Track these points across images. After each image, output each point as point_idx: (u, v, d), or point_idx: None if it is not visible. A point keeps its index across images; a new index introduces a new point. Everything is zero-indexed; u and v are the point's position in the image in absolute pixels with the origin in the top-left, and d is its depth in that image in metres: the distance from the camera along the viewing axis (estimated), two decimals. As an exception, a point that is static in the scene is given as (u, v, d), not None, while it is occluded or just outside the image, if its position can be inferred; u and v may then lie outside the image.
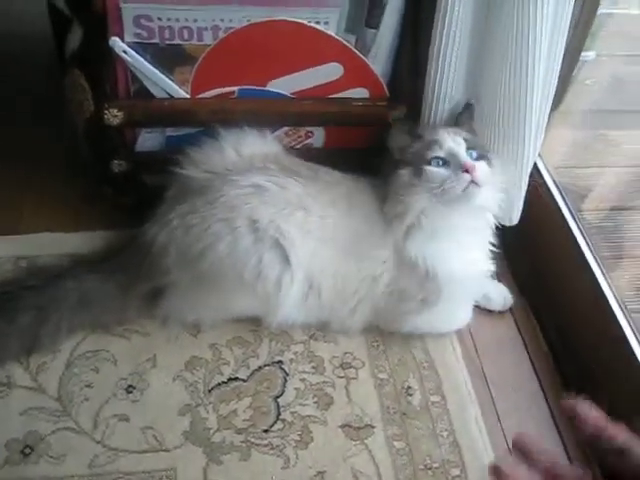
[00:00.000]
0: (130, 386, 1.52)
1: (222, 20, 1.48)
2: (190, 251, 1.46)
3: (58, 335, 1.53)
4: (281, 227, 1.44)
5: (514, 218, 1.71)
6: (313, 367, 1.57)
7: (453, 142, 1.44)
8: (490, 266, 1.57)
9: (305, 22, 1.49)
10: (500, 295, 1.73)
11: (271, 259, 1.45)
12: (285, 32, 1.51)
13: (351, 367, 1.58)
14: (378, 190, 1.52)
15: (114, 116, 1.56)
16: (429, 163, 1.43)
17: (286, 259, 1.45)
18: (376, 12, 1.51)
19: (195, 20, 1.47)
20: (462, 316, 1.63)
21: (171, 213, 1.48)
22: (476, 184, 1.41)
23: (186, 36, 1.49)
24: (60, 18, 1.58)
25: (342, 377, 1.56)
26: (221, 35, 1.50)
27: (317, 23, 1.50)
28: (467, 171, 1.40)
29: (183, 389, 1.52)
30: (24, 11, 2.35)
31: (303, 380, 1.55)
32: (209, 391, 1.52)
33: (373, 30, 1.55)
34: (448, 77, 1.55)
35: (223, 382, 1.53)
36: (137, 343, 1.58)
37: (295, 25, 1.49)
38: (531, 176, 1.66)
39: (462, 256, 1.50)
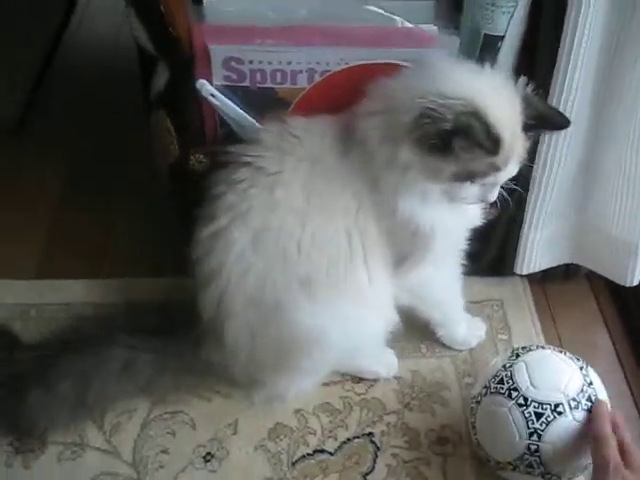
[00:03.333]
0: (208, 454, 1.42)
1: (318, 63, 1.36)
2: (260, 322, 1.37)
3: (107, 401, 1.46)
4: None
5: (635, 279, 1.57)
6: (406, 441, 1.44)
7: (510, 172, 1.25)
8: (480, 218, 1.41)
9: (406, 64, 1.36)
10: (470, 330, 1.59)
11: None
12: (384, 75, 1.38)
13: (448, 442, 1.44)
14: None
15: (199, 162, 1.47)
16: (475, 182, 1.23)
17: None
18: (489, 55, 1.36)
19: (289, 63, 1.36)
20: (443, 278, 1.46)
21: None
22: None
23: (279, 79, 1.39)
24: (146, 57, 1.50)
25: (438, 454, 1.43)
26: (317, 78, 1.38)
27: (421, 65, 1.36)
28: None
29: (265, 460, 1.41)
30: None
31: (395, 456, 1.42)
32: (293, 464, 1.41)
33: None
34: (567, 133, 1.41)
35: (308, 454, 1.42)
36: (218, 405, 1.49)
37: (397, 68, 1.37)
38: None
39: (453, 210, 1.32)
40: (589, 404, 1.26)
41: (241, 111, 1.43)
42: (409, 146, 1.20)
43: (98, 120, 2.18)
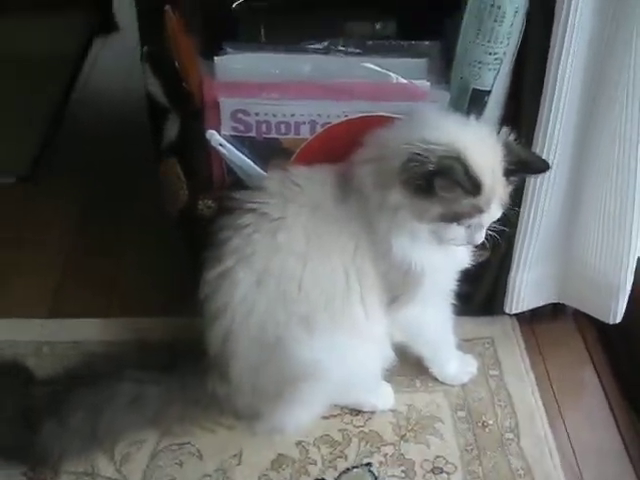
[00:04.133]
0: (215, 484, 1.48)
1: (319, 115, 1.46)
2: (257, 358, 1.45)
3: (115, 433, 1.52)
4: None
5: (617, 316, 1.65)
6: (403, 471, 1.51)
7: (493, 215, 1.33)
8: (469, 260, 1.48)
9: (401, 117, 1.46)
10: (462, 367, 1.66)
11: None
12: (381, 126, 1.47)
13: (443, 472, 1.51)
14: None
15: (208, 207, 1.56)
16: (460, 224, 1.31)
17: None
18: (477, 107, 1.46)
19: (293, 115, 1.46)
20: (434, 317, 1.54)
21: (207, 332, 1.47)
22: None
23: (283, 130, 1.48)
24: (158, 108, 1.60)
25: (435, 483, 1.49)
26: (318, 129, 1.48)
27: (416, 118, 1.46)
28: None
29: (268, 490, 1.47)
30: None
31: (393, 485, 1.48)
32: (294, 493, 1.47)
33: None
34: (550, 177, 1.51)
35: (310, 484, 1.48)
36: (223, 437, 1.56)
37: (392, 120, 1.46)
38: (636, 273, 1.59)
39: (442, 251, 1.40)
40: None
41: (248, 160, 1.52)
42: (398, 189, 1.30)
43: (109, 168, 2.28)
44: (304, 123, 1.48)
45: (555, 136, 1.45)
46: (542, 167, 1.37)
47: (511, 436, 1.57)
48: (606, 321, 1.67)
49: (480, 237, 1.35)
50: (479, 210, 1.30)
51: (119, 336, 1.75)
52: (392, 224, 1.35)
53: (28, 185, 2.26)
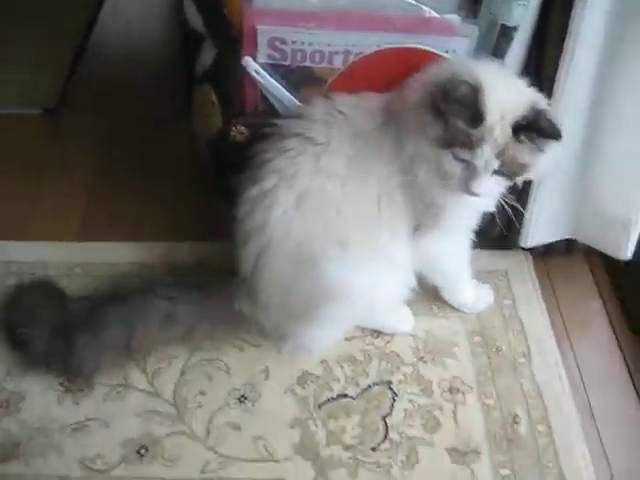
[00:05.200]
0: (242, 396, 1.56)
1: (354, 45, 1.51)
2: (287, 279, 1.52)
3: (149, 348, 1.60)
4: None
5: (628, 252, 1.72)
6: (421, 390, 1.59)
7: (486, 159, 1.33)
8: (491, 206, 1.52)
9: (434, 50, 1.51)
10: (479, 296, 1.74)
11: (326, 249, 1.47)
12: (412, 59, 1.52)
13: (459, 391, 1.59)
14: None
15: (240, 133, 1.61)
16: (453, 154, 1.35)
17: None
18: (504, 43, 1.52)
19: (328, 44, 1.51)
20: (452, 249, 1.61)
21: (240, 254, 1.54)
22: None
23: (317, 59, 1.53)
24: (192, 36, 1.64)
25: (450, 401, 1.57)
26: (351, 59, 1.53)
27: (445, 52, 1.52)
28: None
29: (294, 402, 1.56)
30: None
31: (411, 401, 1.57)
32: (319, 406, 1.55)
33: (499, 60, 1.56)
34: (571, 109, 1.56)
35: (333, 398, 1.57)
36: (250, 354, 1.63)
37: (423, 53, 1.52)
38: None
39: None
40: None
41: (281, 88, 1.57)
42: (421, 110, 1.37)
43: (135, 100, 2.32)
44: (337, 53, 1.53)
45: (575, 80, 1.52)
46: (552, 134, 1.34)
47: (523, 361, 1.65)
48: (616, 257, 1.74)
49: (477, 186, 1.36)
50: (470, 143, 1.32)
51: (149, 259, 1.81)
52: (416, 151, 1.41)
53: (54, 117, 2.29)
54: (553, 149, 1.38)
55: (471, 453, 1.49)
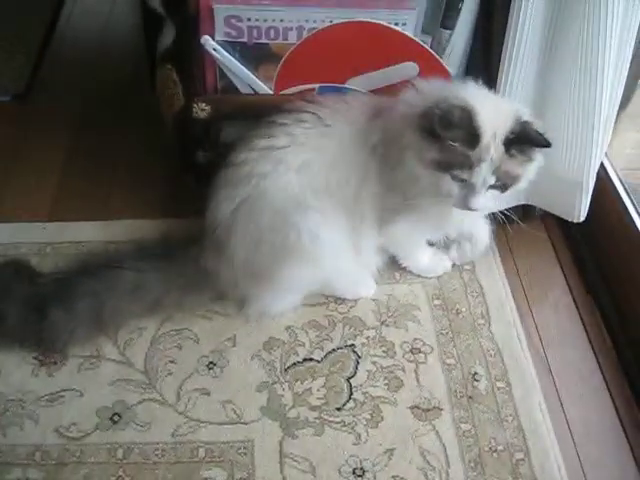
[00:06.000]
0: (211, 363, 1.62)
1: (307, 21, 1.57)
2: (245, 242, 1.58)
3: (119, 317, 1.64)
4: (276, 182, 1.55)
5: (581, 215, 1.78)
6: (384, 351, 1.65)
7: (484, 177, 1.43)
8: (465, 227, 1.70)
9: (384, 23, 1.57)
10: (436, 260, 1.81)
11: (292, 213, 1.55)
12: (364, 33, 1.59)
13: (420, 352, 1.65)
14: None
15: (202, 110, 1.66)
16: (451, 175, 1.44)
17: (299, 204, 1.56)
18: (452, 14, 1.58)
19: (282, 20, 1.56)
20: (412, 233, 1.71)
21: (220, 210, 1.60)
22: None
23: (272, 35, 1.59)
24: (153, 18, 1.69)
25: (412, 361, 1.63)
26: (305, 35, 1.58)
27: (395, 24, 1.57)
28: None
29: (261, 367, 1.61)
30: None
31: (374, 363, 1.63)
32: (285, 370, 1.61)
33: (448, 31, 1.63)
34: (519, 78, 1.62)
35: (298, 362, 1.62)
36: (218, 323, 1.69)
37: (374, 26, 1.58)
38: (598, 176, 1.72)
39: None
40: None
41: (239, 64, 1.62)
42: (412, 130, 1.45)
43: (102, 81, 2.38)
44: (291, 29, 1.59)
45: (523, 41, 1.55)
46: (542, 143, 1.45)
47: (482, 322, 1.71)
48: (571, 219, 1.80)
49: (475, 203, 1.46)
50: (469, 163, 1.41)
51: (118, 237, 1.86)
52: (399, 160, 1.50)
53: (24, 102, 2.34)
54: (539, 157, 1.49)
55: (433, 410, 1.55)
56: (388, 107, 1.55)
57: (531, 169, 1.50)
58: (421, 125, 1.43)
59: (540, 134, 1.44)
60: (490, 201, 1.50)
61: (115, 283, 1.62)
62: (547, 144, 1.45)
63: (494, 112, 1.43)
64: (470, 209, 1.47)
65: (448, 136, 1.40)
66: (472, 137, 1.40)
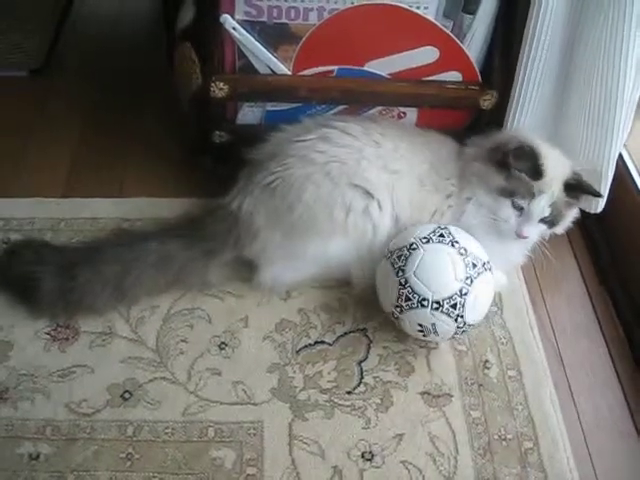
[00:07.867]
0: (223, 343, 1.62)
1: (328, 1, 1.56)
2: (278, 210, 1.60)
3: (140, 289, 1.64)
4: (352, 166, 1.61)
5: (598, 206, 1.77)
6: (395, 336, 1.64)
7: (542, 207, 1.58)
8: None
9: (406, 6, 1.56)
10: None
11: (353, 195, 1.61)
12: (385, 15, 1.57)
13: (432, 338, 1.64)
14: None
15: (220, 89, 1.66)
16: (512, 202, 1.59)
17: (367, 193, 1.61)
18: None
19: (302, 0, 1.55)
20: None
21: (251, 182, 1.63)
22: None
23: (293, 16, 1.58)
24: (173, -4, 1.68)
25: (423, 347, 1.63)
26: (325, 16, 1.57)
27: (417, 8, 1.56)
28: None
29: (272, 349, 1.61)
30: None
31: (386, 348, 1.63)
32: (297, 352, 1.61)
33: (470, 16, 1.61)
34: (540, 65, 1.61)
35: (310, 344, 1.62)
36: (230, 304, 1.69)
37: (396, 9, 1.56)
38: (616, 167, 1.71)
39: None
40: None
41: (258, 44, 1.62)
42: (483, 161, 1.63)
43: (119, 58, 2.38)
44: (312, 9, 1.58)
45: (541, 41, 1.58)
46: (594, 193, 1.67)
47: (495, 309, 1.70)
48: (589, 210, 1.79)
49: (527, 231, 1.60)
50: (531, 193, 1.57)
51: (133, 214, 1.86)
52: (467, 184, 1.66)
53: (40, 78, 2.33)
54: (577, 207, 1.68)
55: (443, 396, 1.55)
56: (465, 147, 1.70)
57: (572, 214, 1.67)
58: (492, 155, 1.61)
59: (592, 186, 1.65)
60: (537, 234, 1.63)
61: (141, 254, 1.63)
62: (599, 194, 1.68)
63: (556, 159, 1.62)
64: (521, 236, 1.60)
65: (517, 166, 1.56)
66: (537, 170, 1.56)
